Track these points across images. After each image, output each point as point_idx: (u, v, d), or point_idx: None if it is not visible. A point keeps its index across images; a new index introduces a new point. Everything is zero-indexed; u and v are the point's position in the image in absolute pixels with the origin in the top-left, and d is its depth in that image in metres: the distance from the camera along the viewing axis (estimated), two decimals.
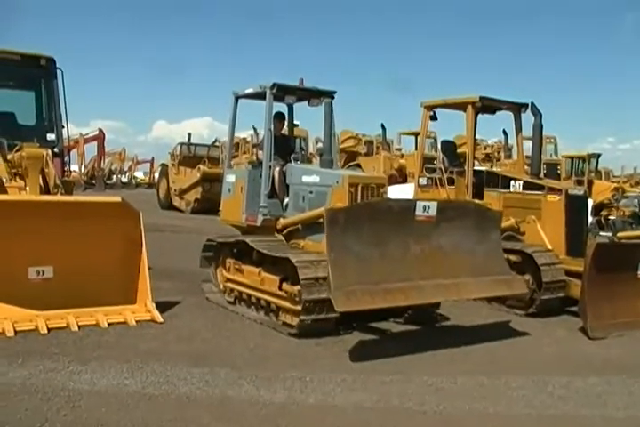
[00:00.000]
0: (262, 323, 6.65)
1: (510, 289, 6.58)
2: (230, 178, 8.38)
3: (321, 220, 6.58)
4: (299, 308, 6.08)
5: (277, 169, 7.62)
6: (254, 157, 20.10)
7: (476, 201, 8.60)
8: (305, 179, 7.35)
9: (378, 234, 5.70)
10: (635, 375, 5.46)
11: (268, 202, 7.55)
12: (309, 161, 8.05)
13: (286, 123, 8.63)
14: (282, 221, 7.46)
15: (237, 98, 8.27)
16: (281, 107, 8.40)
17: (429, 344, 6.08)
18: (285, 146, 8.08)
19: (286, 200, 7.60)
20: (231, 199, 8.30)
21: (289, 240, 7.35)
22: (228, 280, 7.56)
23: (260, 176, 7.68)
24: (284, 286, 6.37)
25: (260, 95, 7.87)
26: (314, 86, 7.97)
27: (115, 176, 44.38)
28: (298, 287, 6.07)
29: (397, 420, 4.30)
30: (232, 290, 7.49)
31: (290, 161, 7.74)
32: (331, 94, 7.96)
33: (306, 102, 8.12)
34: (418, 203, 5.99)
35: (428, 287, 5.82)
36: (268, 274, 6.72)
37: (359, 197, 6.71)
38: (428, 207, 5.93)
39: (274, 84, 7.53)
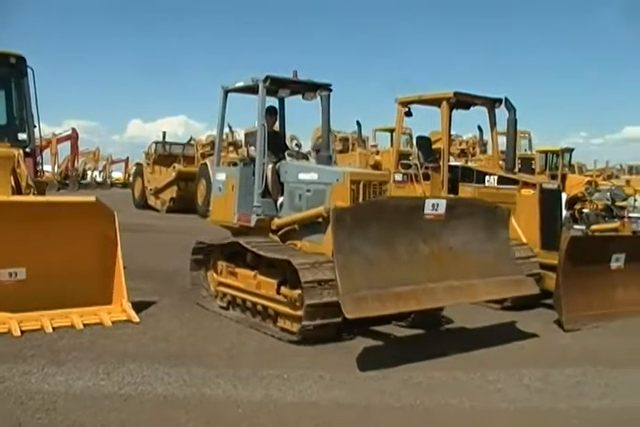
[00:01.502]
0: (258, 329, 6.33)
1: (520, 290, 6.34)
2: (220, 176, 8.01)
3: (320, 219, 6.47)
4: (299, 313, 5.80)
5: (270, 167, 7.29)
6: (235, 155, 20.22)
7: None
8: (301, 176, 7.00)
9: (385, 234, 5.43)
10: (610, 366, 5.53)
11: (262, 201, 7.23)
12: (305, 158, 7.71)
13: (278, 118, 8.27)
14: (277, 221, 7.13)
15: (227, 92, 7.94)
16: (271, 101, 8.03)
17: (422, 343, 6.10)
18: (277, 142, 7.74)
19: (280, 199, 7.28)
20: (222, 198, 7.92)
21: (284, 241, 7.01)
22: (221, 284, 7.22)
23: (253, 174, 7.33)
24: (283, 289, 6.07)
25: (251, 89, 7.53)
26: (308, 79, 7.64)
27: (89, 176, 43.96)
28: (298, 291, 5.79)
29: (375, 416, 4.30)
30: (225, 294, 7.17)
31: (283, 158, 7.45)
32: (326, 87, 7.56)
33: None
34: (427, 201, 5.72)
35: (439, 290, 5.56)
36: (264, 277, 6.39)
37: (361, 195, 6.42)
38: (437, 205, 5.66)
39: (267, 77, 7.17)
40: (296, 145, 8.00)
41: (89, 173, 44.73)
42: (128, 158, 43.87)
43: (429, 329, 6.59)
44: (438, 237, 5.79)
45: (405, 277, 5.42)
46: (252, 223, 7.23)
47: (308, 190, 6.86)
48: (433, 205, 5.66)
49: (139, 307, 6.74)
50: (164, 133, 25.26)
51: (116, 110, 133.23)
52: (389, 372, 5.15)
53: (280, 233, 7.08)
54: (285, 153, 7.52)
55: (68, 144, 39.29)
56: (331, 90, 7.51)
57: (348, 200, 6.31)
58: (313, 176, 6.86)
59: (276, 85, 7.41)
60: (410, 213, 5.60)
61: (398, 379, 5.00)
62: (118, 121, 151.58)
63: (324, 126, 7.62)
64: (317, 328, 5.73)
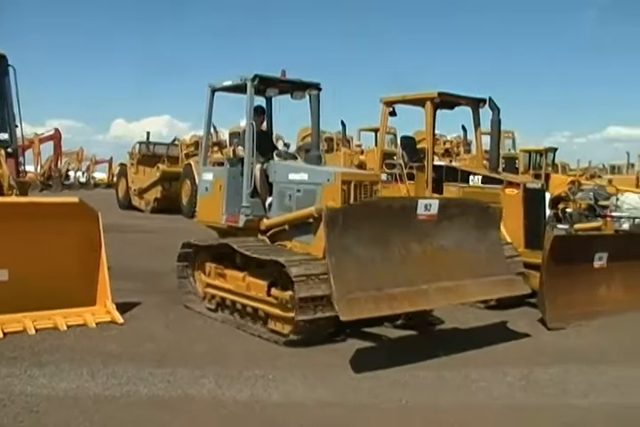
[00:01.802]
0: (247, 331, 6.29)
1: (511, 290, 6.33)
2: (207, 176, 7.91)
3: (310, 220, 6.42)
4: (291, 315, 5.74)
5: (258, 166, 7.20)
6: (219, 155, 20.16)
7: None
8: (291, 176, 6.91)
9: (378, 235, 5.40)
10: (592, 364, 5.57)
11: (250, 201, 7.14)
12: (294, 158, 7.58)
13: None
14: (266, 222, 7.04)
15: (214, 91, 7.84)
16: (258, 100, 7.93)
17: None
18: (265, 142, 7.66)
19: (269, 199, 7.18)
20: (209, 199, 7.80)
21: (274, 242, 6.91)
22: (209, 286, 7.12)
23: (241, 174, 7.27)
24: (273, 291, 6.00)
25: (239, 88, 7.47)
26: (297, 78, 7.59)
27: (72, 176, 43.65)
28: (289, 293, 5.74)
29: (361, 415, 4.30)
30: (213, 296, 7.07)
31: (272, 158, 7.37)
32: (315, 86, 7.55)
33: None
34: (419, 201, 5.72)
35: (432, 291, 5.55)
36: (254, 279, 6.33)
37: (352, 196, 6.36)
38: (430, 205, 5.66)
39: (255, 76, 7.11)
40: (285, 145, 7.91)
41: (72, 173, 44.40)
42: (112, 158, 43.64)
43: (420, 330, 6.59)
44: (431, 237, 5.79)
45: (398, 279, 5.41)
46: (241, 224, 7.15)
47: (299, 190, 6.78)
48: (426, 205, 5.66)
49: (123, 308, 6.71)
50: (148, 133, 25.21)
51: (100, 110, 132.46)
52: (376, 372, 5.15)
53: (269, 234, 7.00)
54: (274, 153, 7.45)
55: (50, 144, 39.00)
56: (320, 89, 7.47)
57: (339, 200, 6.27)
58: (303, 176, 6.79)
59: (264, 85, 7.35)
60: (402, 214, 5.59)
61: (385, 379, 5.01)
62: (102, 121, 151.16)
63: (314, 126, 7.57)
64: (310, 323, 5.66)
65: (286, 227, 6.80)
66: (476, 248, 6.13)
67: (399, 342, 6.13)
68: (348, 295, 4.98)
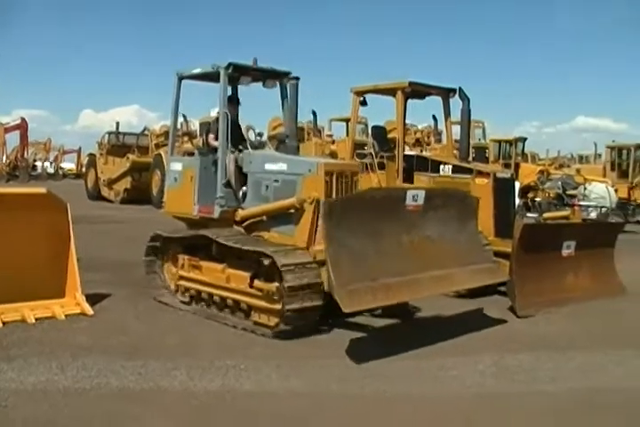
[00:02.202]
0: (229, 324, 6.18)
1: (493, 278, 6.50)
2: (176, 166, 7.72)
3: (291, 210, 6.38)
4: (277, 307, 5.72)
5: (231, 157, 7.04)
6: (189, 145, 19.97)
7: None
8: (268, 167, 6.78)
9: (372, 226, 5.46)
10: (561, 350, 5.66)
11: (225, 192, 7.01)
12: (262, 147, 7.46)
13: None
14: (241, 213, 6.90)
15: (181, 79, 7.68)
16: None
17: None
18: (237, 132, 7.42)
19: (243, 190, 7.05)
20: (178, 189, 7.61)
21: (250, 232, 6.81)
22: (182, 278, 6.99)
23: (213, 164, 7.14)
24: (257, 283, 5.93)
25: (208, 76, 7.38)
26: (269, 66, 7.49)
27: (40, 167, 42.96)
28: (275, 284, 5.71)
29: (334, 405, 4.32)
30: (187, 289, 6.96)
31: (246, 148, 7.22)
32: (288, 75, 7.44)
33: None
34: (408, 192, 5.77)
35: (423, 280, 5.63)
36: (234, 270, 6.25)
37: (334, 186, 6.29)
38: (417, 196, 5.74)
39: (229, 64, 6.96)
40: (258, 135, 7.78)
41: (39, 163, 43.70)
42: (80, 149, 43.01)
43: (400, 318, 6.61)
44: (418, 227, 5.88)
45: (392, 269, 5.46)
46: (216, 215, 7.01)
47: (276, 181, 6.68)
48: (413, 196, 5.74)
49: (93, 299, 6.64)
50: (118, 123, 24.89)
51: (68, 100, 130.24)
52: (349, 361, 5.17)
53: (245, 224, 6.90)
54: (247, 143, 7.33)
55: (16, 134, 38.37)
56: (298, 78, 7.27)
57: (323, 191, 6.22)
58: (282, 166, 6.67)
59: (238, 73, 7.25)
60: (393, 205, 5.66)
61: (358, 368, 5.03)
62: (70, 111, 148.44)
63: (292, 116, 7.35)
64: (299, 312, 5.64)
65: (264, 218, 6.74)
66: (458, 237, 6.26)
67: (376, 332, 6.14)
68: (348, 287, 4.99)
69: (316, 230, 6.20)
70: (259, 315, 6.04)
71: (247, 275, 6.06)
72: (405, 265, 5.59)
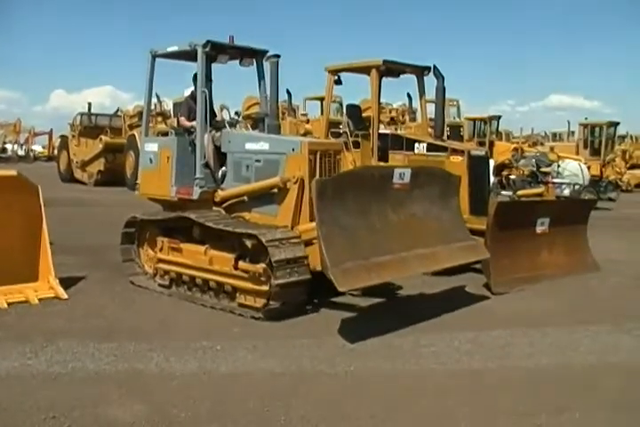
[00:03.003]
0: (207, 305, 6.16)
1: (476, 255, 6.54)
2: (151, 147, 7.58)
3: (275, 190, 6.36)
4: (264, 288, 5.69)
5: (206, 136, 6.95)
6: (163, 126, 19.73)
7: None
8: (249, 146, 6.73)
9: (362, 205, 5.47)
10: (535, 326, 5.73)
11: (204, 173, 6.93)
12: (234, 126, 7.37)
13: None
14: (221, 193, 6.84)
15: (155, 57, 7.54)
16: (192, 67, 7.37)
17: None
18: (210, 111, 7.38)
19: (222, 170, 7.00)
20: (154, 171, 7.45)
21: (231, 213, 6.74)
22: (161, 261, 6.84)
23: (190, 144, 7.06)
24: (243, 264, 5.86)
25: (183, 54, 7.28)
26: (246, 45, 7.43)
27: (9, 149, 42.21)
28: (262, 265, 5.66)
29: (309, 383, 4.33)
30: (166, 272, 6.79)
31: (223, 127, 7.14)
32: (264, 53, 7.43)
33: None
34: (395, 170, 5.77)
35: (411, 259, 5.65)
36: (218, 252, 6.17)
37: (317, 165, 6.28)
38: (403, 174, 5.74)
39: (207, 42, 6.86)
40: (236, 113, 7.69)
41: (9, 146, 42.93)
42: (52, 130, 42.20)
43: (378, 298, 6.60)
44: (405, 206, 5.90)
45: (382, 247, 5.47)
46: (196, 196, 6.91)
47: (258, 160, 6.63)
48: (400, 174, 5.74)
49: (67, 283, 6.58)
50: (90, 104, 24.53)
51: (38, 80, 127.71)
52: (323, 339, 5.19)
53: (225, 205, 6.84)
54: (226, 122, 7.24)
55: None
56: (279, 56, 7.04)
57: (307, 170, 6.20)
58: (263, 146, 6.62)
59: (215, 51, 7.11)
60: (381, 183, 5.66)
61: (332, 346, 5.06)
62: (40, 91, 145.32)
63: (273, 95, 7.16)
64: (288, 287, 5.61)
65: (245, 198, 6.68)
66: (442, 216, 6.30)
67: (353, 311, 6.16)
68: (342, 266, 4.98)
69: (300, 210, 6.20)
70: (244, 297, 5.98)
71: (231, 256, 6.00)
72: (394, 243, 5.61)
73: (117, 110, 25.04)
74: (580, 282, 7.51)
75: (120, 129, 22.93)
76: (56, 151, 27.30)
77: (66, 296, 6.24)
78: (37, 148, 46.06)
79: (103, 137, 21.34)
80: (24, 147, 43.79)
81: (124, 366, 4.52)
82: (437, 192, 6.29)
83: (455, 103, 26.43)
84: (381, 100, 10.80)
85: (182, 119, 7.35)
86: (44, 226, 6.48)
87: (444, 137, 10.32)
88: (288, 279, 5.59)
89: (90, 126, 23.16)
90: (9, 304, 5.94)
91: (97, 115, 23.96)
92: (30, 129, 44.20)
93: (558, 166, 16.98)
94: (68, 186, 21.65)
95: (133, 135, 19.66)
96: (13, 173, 6.30)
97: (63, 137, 24.72)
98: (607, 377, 4.58)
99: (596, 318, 6.06)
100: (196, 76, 7.29)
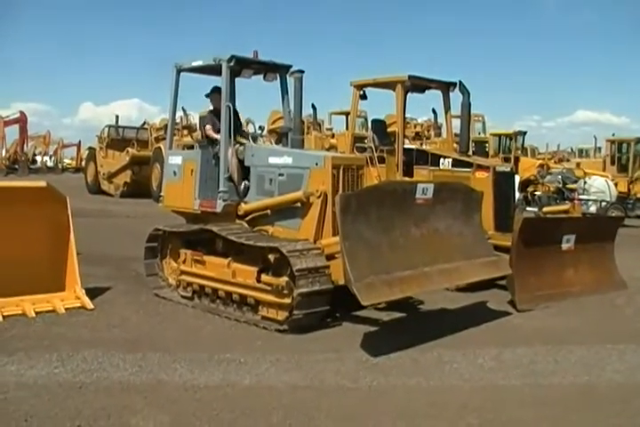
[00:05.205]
0: (231, 318, 6.17)
1: (499, 270, 6.52)
2: (175, 160, 7.69)
3: (298, 204, 6.40)
4: (287, 301, 5.72)
5: (230, 150, 6.99)
6: (189, 139, 19.90)
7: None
8: (273, 160, 6.75)
9: (384, 219, 5.49)
10: (560, 344, 5.66)
11: (227, 186, 6.95)
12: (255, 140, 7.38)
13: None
14: (244, 207, 6.86)
15: (180, 71, 7.63)
16: (216, 81, 7.47)
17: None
18: (235, 125, 7.37)
19: (245, 183, 7.01)
20: (178, 183, 7.56)
21: (253, 227, 6.78)
22: (184, 273, 6.91)
23: (214, 157, 7.11)
24: (265, 278, 5.92)
25: (208, 69, 7.37)
26: (270, 60, 7.49)
27: (39, 160, 42.89)
28: (285, 278, 5.72)
29: (332, 397, 4.32)
30: (189, 284, 6.88)
31: (249, 140, 7.20)
32: (288, 68, 7.49)
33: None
34: (418, 185, 5.80)
35: (434, 274, 5.67)
36: (241, 265, 6.21)
37: (341, 180, 6.31)
38: (426, 189, 5.78)
39: (232, 57, 6.92)
40: (259, 128, 7.77)
41: (39, 157, 43.63)
42: (80, 142, 42.83)
43: (401, 312, 6.60)
44: (427, 220, 5.92)
45: (404, 262, 5.49)
46: (219, 209, 6.94)
47: (281, 175, 6.66)
48: (423, 189, 5.77)
49: (93, 293, 6.65)
50: (117, 117, 24.92)
51: (67, 93, 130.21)
52: (346, 355, 5.18)
53: (248, 219, 6.87)
54: (249, 136, 7.30)
55: (16, 127, 38.28)
56: (303, 71, 7.13)
57: (330, 185, 6.23)
58: (287, 160, 6.65)
59: (239, 66, 7.18)
60: (404, 198, 5.68)
61: (355, 360, 5.04)
62: (69, 104, 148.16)
63: (296, 109, 7.23)
64: (310, 296, 5.62)
65: (268, 211, 6.72)
66: (464, 231, 6.29)
67: (376, 326, 6.15)
68: (365, 280, 5.00)
69: (323, 224, 6.23)
70: (267, 310, 6.01)
71: (254, 269, 6.04)
72: (416, 258, 5.63)
73: (144, 123, 25.34)
74: (607, 300, 7.41)
75: (146, 142, 23.19)
76: (84, 163, 27.67)
77: (92, 306, 6.31)
78: (66, 159, 46.73)
79: (130, 149, 21.60)
80: (53, 158, 44.48)
81: (149, 377, 4.56)
82: (460, 207, 6.29)
83: (480, 118, 26.39)
84: (406, 115, 10.82)
85: (208, 127, 7.39)
86: (72, 236, 6.57)
87: (470, 153, 10.29)
88: (310, 288, 5.61)
89: (117, 139, 23.46)
90: (37, 313, 6.02)
91: (124, 127, 24.28)
92: (59, 141, 44.94)
93: (585, 183, 16.82)
94: (95, 197, 21.90)
95: (159, 148, 19.87)
96: (43, 183, 6.40)
97: (91, 149, 25.04)
98: (632, 397, 4.51)
99: (622, 337, 5.97)
100: (210, 91, 7.43)
